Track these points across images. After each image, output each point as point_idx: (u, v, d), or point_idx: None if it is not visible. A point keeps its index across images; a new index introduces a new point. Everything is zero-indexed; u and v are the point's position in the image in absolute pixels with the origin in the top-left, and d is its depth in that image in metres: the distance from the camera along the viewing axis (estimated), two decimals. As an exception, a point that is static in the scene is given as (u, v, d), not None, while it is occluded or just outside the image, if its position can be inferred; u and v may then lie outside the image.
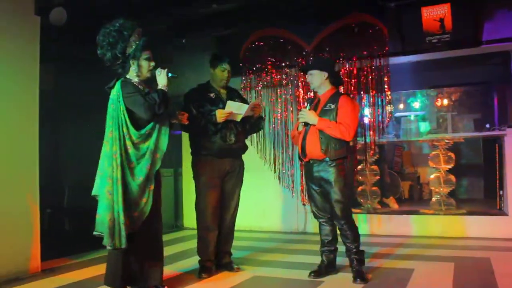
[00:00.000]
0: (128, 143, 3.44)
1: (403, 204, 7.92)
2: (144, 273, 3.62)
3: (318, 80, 4.18)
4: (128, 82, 3.56)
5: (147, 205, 3.49)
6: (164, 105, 3.53)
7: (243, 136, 4.55)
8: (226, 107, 4.28)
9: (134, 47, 3.55)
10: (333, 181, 3.98)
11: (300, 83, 6.72)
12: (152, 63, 3.67)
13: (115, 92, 3.50)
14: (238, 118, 4.35)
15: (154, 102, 3.47)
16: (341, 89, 6.28)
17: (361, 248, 4.13)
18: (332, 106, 4.07)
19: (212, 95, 4.46)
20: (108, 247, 3.36)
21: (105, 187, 3.41)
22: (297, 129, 4.24)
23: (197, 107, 4.34)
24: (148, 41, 3.63)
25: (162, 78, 3.64)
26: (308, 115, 4.06)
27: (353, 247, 4.05)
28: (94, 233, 3.43)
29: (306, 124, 4.13)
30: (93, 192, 3.51)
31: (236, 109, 4.30)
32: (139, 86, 3.61)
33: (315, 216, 4.27)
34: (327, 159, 4.00)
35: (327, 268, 4.21)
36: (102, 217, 3.39)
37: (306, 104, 4.28)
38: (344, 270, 4.28)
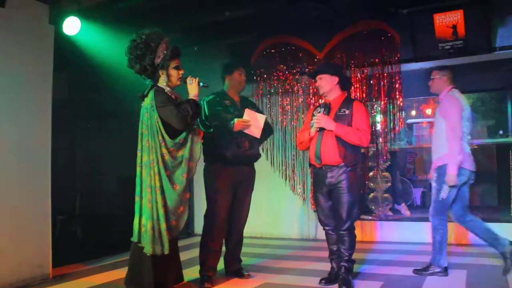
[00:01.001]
0: (164, 150, 3.50)
1: (415, 210, 7.87)
2: (166, 276, 3.66)
3: (329, 84, 4.14)
4: (161, 92, 3.61)
5: (184, 214, 3.58)
6: (196, 116, 3.62)
7: (256, 143, 4.54)
8: (244, 115, 4.29)
9: (162, 57, 3.60)
10: (347, 186, 3.96)
11: (311, 90, 6.72)
12: (182, 71, 3.74)
13: (149, 101, 3.56)
14: (257, 134, 4.33)
15: (186, 113, 3.53)
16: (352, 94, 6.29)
17: (353, 257, 4.14)
18: (347, 112, 4.04)
19: (227, 102, 4.46)
20: (148, 254, 3.45)
21: (145, 195, 3.47)
22: (310, 134, 4.17)
23: (213, 114, 4.34)
24: (175, 50, 3.69)
25: (193, 88, 3.71)
26: (325, 121, 4.00)
27: (347, 254, 4.04)
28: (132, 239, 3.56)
29: (319, 129, 4.08)
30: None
31: (253, 119, 4.29)
32: (172, 96, 3.67)
33: (322, 224, 4.24)
34: (342, 164, 3.98)
35: (337, 275, 4.18)
36: (135, 225, 3.52)
37: (319, 109, 4.20)
38: (355, 277, 4.26)
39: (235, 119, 4.26)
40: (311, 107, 6.56)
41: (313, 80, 4.54)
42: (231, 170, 4.35)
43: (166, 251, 3.46)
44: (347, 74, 6.41)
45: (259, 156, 4.62)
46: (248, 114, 4.30)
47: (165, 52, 3.61)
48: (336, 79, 4.14)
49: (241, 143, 4.34)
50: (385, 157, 6.57)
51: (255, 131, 4.32)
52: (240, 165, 4.40)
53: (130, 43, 3.60)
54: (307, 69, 6.70)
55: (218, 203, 4.35)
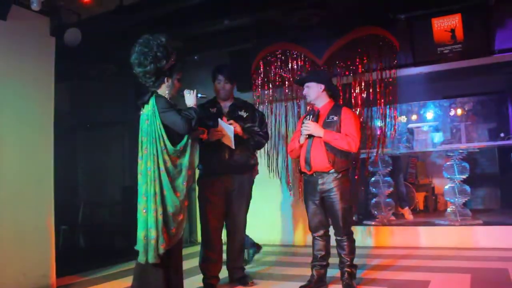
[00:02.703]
0: (166, 157, 3.48)
1: (418, 215, 7.87)
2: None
3: (315, 92, 4.19)
4: (163, 98, 3.61)
5: (183, 222, 3.56)
6: (198, 122, 3.64)
7: (243, 152, 4.40)
8: (219, 125, 4.25)
9: (173, 65, 3.63)
10: (340, 192, 3.99)
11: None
12: (181, 85, 3.77)
13: (150, 108, 3.54)
14: (231, 144, 4.23)
15: (191, 117, 3.55)
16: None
17: (356, 262, 4.17)
18: (335, 118, 4.08)
19: (213, 110, 4.45)
20: (141, 262, 3.43)
21: (140, 204, 3.47)
22: (299, 141, 4.20)
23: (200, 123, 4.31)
24: (183, 64, 3.72)
25: (191, 98, 3.74)
26: (314, 128, 4.04)
27: (348, 259, 4.05)
28: (135, 247, 3.51)
29: (309, 137, 4.11)
30: None
31: (227, 129, 4.22)
32: (172, 102, 3.68)
33: (311, 230, 4.24)
34: (332, 171, 4.00)
35: (317, 283, 4.19)
36: (139, 234, 3.47)
37: (308, 117, 4.24)
38: (358, 283, 4.26)
39: (211, 130, 4.21)
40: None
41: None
42: (218, 180, 4.33)
43: (152, 260, 3.38)
44: (348, 80, 6.45)
45: (248, 163, 4.51)
46: (221, 124, 4.24)
47: (176, 63, 3.65)
48: (322, 86, 4.18)
49: (221, 152, 4.28)
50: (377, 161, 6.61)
51: (229, 141, 4.24)
52: (228, 174, 4.35)
53: (151, 41, 3.55)
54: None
55: (207, 212, 4.34)
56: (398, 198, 7.44)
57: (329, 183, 4.02)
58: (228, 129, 4.20)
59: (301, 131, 4.14)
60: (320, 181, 4.06)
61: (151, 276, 3.48)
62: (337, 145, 3.97)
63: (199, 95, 3.79)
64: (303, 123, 4.19)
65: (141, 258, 3.43)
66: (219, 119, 4.26)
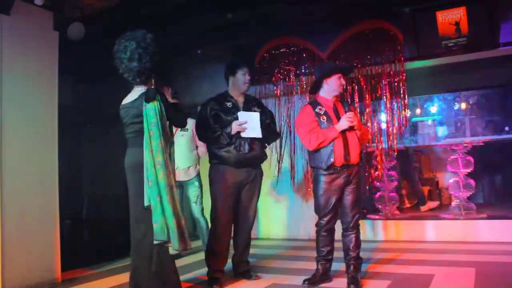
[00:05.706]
0: (172, 150, 3.57)
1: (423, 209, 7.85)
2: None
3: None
4: (164, 94, 3.63)
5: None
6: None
7: (258, 145, 4.41)
8: (239, 117, 4.26)
9: (159, 62, 3.61)
10: (357, 183, 4.06)
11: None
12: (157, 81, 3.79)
13: (157, 103, 3.50)
14: (255, 134, 4.24)
15: (187, 115, 3.65)
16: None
17: (361, 256, 4.18)
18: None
19: (228, 104, 4.42)
20: (175, 252, 3.41)
21: (166, 195, 3.42)
22: (331, 133, 4.07)
23: (214, 117, 4.34)
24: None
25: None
26: (357, 119, 4.04)
27: (354, 253, 4.07)
28: (155, 242, 3.40)
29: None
30: (146, 203, 3.44)
31: (249, 120, 4.22)
32: None
33: (318, 225, 4.22)
34: (358, 162, 4.07)
35: (321, 276, 4.20)
36: (161, 225, 3.37)
37: (346, 108, 4.19)
38: (362, 276, 4.26)
39: (233, 123, 4.22)
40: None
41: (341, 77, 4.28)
42: (233, 173, 4.33)
43: (190, 246, 3.47)
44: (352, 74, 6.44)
45: (263, 157, 4.56)
46: (242, 116, 4.25)
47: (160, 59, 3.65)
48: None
49: (241, 146, 4.27)
50: (390, 157, 6.57)
51: (253, 132, 4.25)
52: (243, 168, 4.36)
53: (147, 37, 3.52)
54: (309, 70, 6.68)
55: (220, 206, 4.34)
56: (415, 197, 7.39)
57: (353, 174, 4.06)
58: (252, 118, 4.23)
59: (341, 123, 3.98)
60: (347, 173, 4.03)
61: (167, 264, 3.52)
62: (366, 138, 4.09)
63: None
64: (343, 115, 4.03)
65: (176, 247, 3.38)
66: (239, 112, 4.29)
